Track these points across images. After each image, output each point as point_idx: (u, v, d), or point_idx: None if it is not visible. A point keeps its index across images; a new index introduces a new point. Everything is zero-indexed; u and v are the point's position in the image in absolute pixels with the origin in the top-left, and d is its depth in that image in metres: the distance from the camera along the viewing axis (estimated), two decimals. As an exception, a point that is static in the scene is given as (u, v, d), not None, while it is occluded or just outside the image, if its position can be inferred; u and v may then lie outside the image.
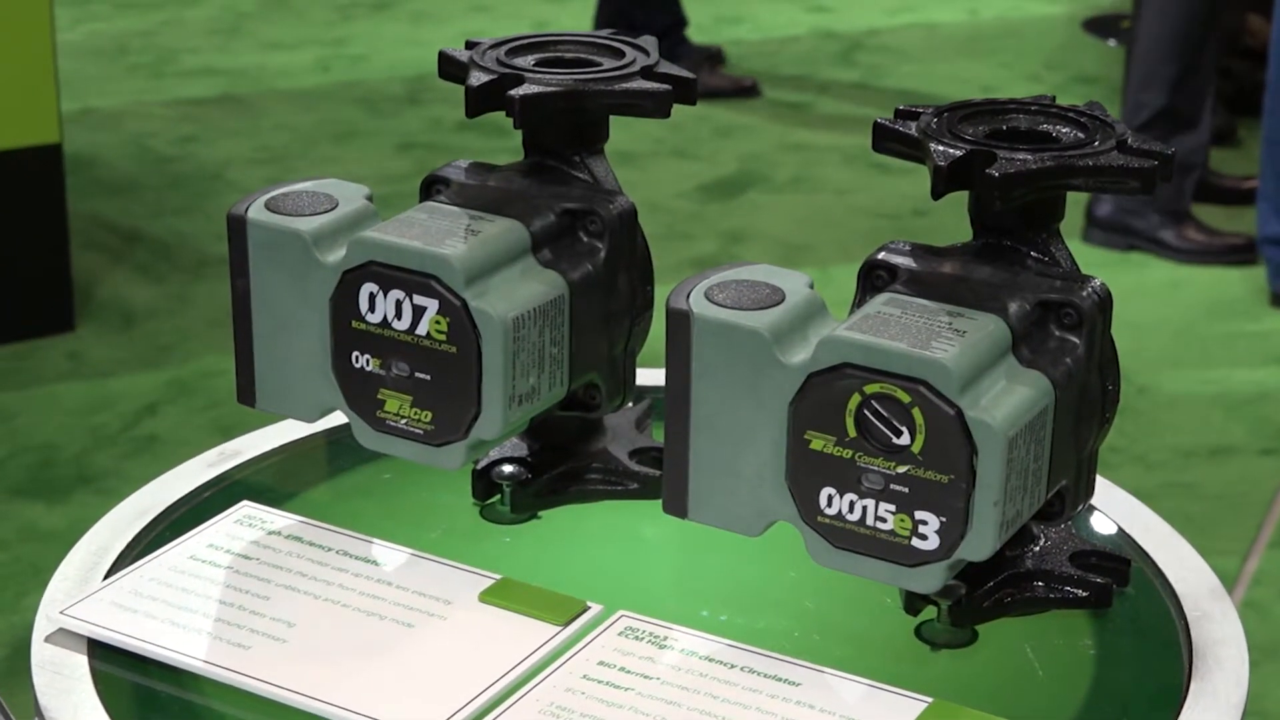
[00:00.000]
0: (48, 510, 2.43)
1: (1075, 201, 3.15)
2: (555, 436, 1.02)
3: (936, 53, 4.54)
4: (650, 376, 1.08)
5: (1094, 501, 0.98)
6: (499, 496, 1.01)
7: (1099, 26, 4.67)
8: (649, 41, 1.04)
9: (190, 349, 2.88)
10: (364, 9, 4.80)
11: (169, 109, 4.01)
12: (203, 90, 4.14)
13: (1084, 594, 0.93)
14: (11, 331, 2.91)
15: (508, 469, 1.01)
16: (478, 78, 0.98)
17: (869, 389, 0.82)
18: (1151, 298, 3.12)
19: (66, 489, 2.48)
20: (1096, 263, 3.23)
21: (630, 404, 1.03)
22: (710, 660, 0.88)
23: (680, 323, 0.86)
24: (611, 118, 1.01)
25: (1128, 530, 1.02)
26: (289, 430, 1.11)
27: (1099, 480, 0.94)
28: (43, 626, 0.91)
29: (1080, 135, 0.91)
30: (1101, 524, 1.03)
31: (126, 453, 2.58)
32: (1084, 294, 0.88)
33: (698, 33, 4.58)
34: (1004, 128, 0.93)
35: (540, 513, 1.01)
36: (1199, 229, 3.28)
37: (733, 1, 4.78)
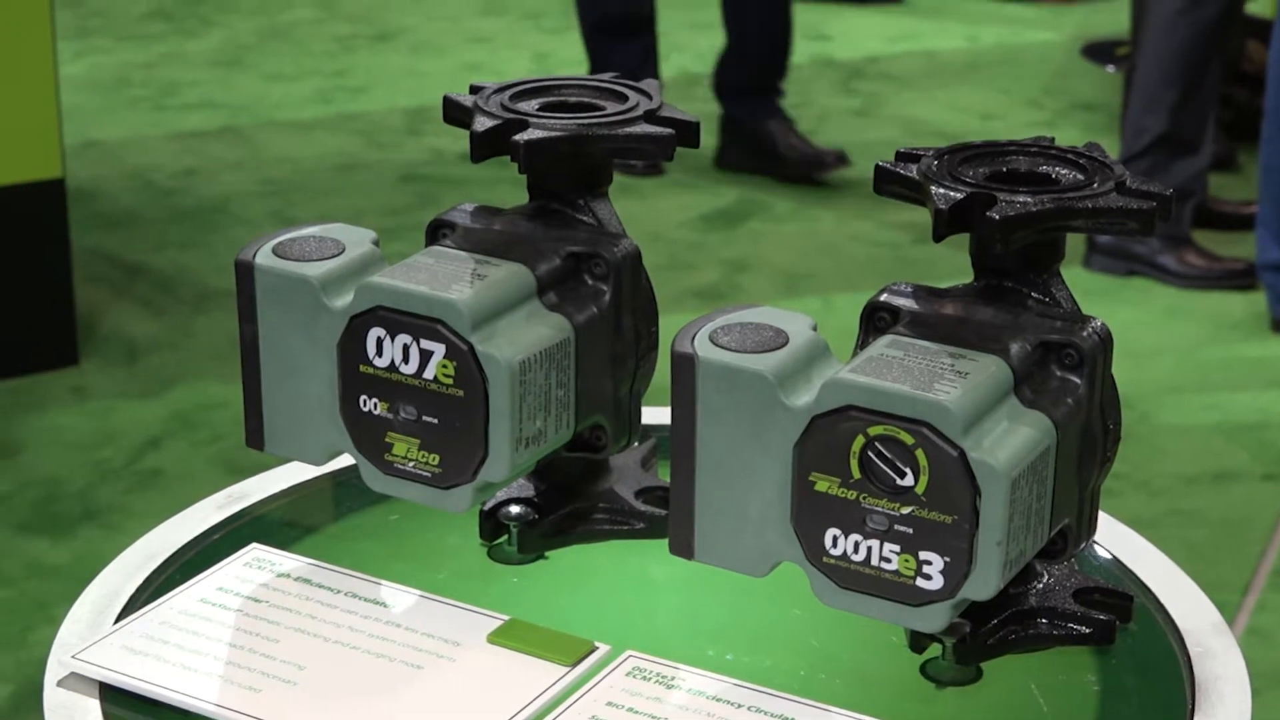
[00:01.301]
0: (52, 546, 2.44)
1: (1076, 229, 3.16)
2: (561, 477, 1.03)
3: (936, 80, 4.56)
4: (655, 415, 1.10)
5: (1096, 536, 0.99)
6: (506, 537, 1.02)
7: (1098, 53, 4.69)
8: (651, 85, 1.05)
9: (193, 383, 2.90)
10: (364, 41, 4.82)
11: (170, 142, 4.03)
12: (204, 123, 4.16)
13: (1087, 630, 0.94)
14: (15, 365, 2.92)
15: (515, 510, 1.02)
16: (482, 123, 0.99)
17: (873, 431, 0.83)
18: (1152, 324, 3.14)
19: (71, 524, 2.49)
20: (1097, 289, 3.24)
21: (636, 444, 1.04)
22: (718, 700, 0.89)
23: (685, 366, 0.88)
24: (615, 158, 1.02)
25: (1130, 565, 1.03)
26: (296, 472, 1.12)
27: (1101, 514, 0.95)
28: (54, 670, 0.92)
29: (1079, 177, 0.92)
30: (1104, 559, 1.04)
31: (130, 487, 2.59)
32: (1085, 334, 0.89)
33: (697, 61, 4.60)
34: (1004, 170, 0.94)
35: (547, 553, 1.02)
36: (1199, 254, 3.30)
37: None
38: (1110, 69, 4.56)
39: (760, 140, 3.76)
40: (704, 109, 4.13)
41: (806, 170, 3.72)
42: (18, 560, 2.40)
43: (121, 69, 4.53)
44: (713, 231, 3.56)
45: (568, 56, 4.70)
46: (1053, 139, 0.97)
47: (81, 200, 3.50)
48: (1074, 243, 3.23)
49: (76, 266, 3.00)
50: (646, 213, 3.56)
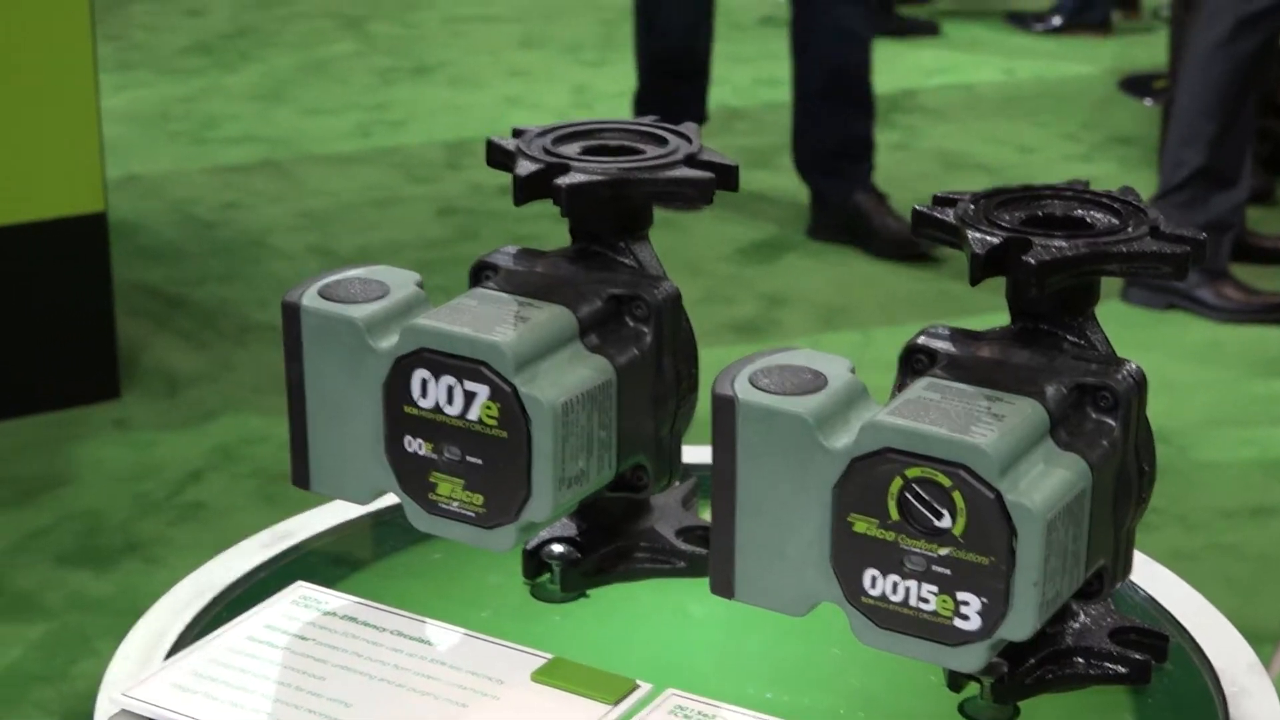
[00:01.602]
0: (95, 578, 2.46)
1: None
2: (603, 516, 1.05)
3: (974, 113, 4.57)
4: (695, 454, 1.11)
5: (1132, 575, 1.00)
6: (549, 575, 1.04)
7: (1135, 86, 4.70)
8: (690, 128, 1.07)
9: (234, 415, 2.92)
10: (404, 74, 4.86)
11: (211, 175, 4.07)
12: (244, 156, 4.20)
13: (1124, 670, 0.95)
14: (58, 399, 2.95)
15: (557, 549, 1.04)
16: (525, 167, 1.01)
17: (910, 473, 0.85)
18: (1190, 357, 3.14)
19: (114, 556, 2.52)
20: (1136, 322, 3.25)
21: (676, 483, 1.06)
22: (757, 738, 0.90)
23: (726, 408, 0.89)
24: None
25: (1165, 604, 1.04)
26: (341, 511, 1.14)
27: (1137, 552, 0.97)
28: (104, 708, 0.94)
29: (1114, 221, 0.94)
30: (1140, 598, 1.05)
31: (172, 520, 2.62)
32: (1119, 377, 0.90)
33: (736, 95, 4.63)
34: (1039, 214, 0.95)
35: (589, 591, 1.04)
36: (1237, 288, 3.30)
37: (770, 63, 4.82)
38: (1148, 102, 4.56)
39: (850, 216, 3.61)
40: (744, 143, 4.16)
41: (901, 252, 3.54)
42: (60, 592, 2.43)
43: (162, 103, 4.57)
44: (751, 264, 3.58)
45: (605, 89, 4.74)
46: (1087, 182, 0.98)
47: (123, 233, 3.53)
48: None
49: (118, 299, 3.03)
50: (685, 245, 3.58)
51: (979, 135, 4.38)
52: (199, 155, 4.20)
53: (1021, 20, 5.37)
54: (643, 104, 3.86)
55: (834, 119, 3.60)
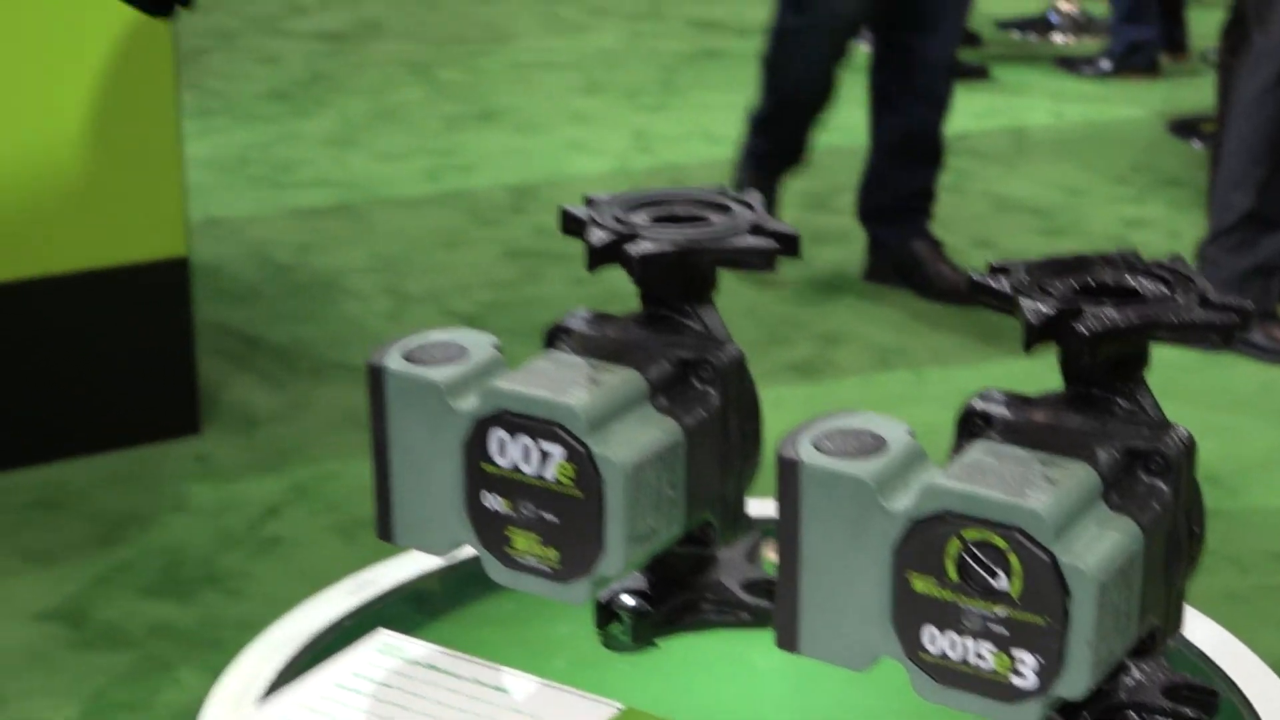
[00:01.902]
0: (178, 609, 2.50)
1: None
2: (672, 570, 1.07)
3: (1024, 156, 4.58)
4: (760, 507, 1.13)
5: (1185, 632, 1.01)
6: (620, 627, 1.06)
7: (1184, 129, 4.69)
8: (754, 197, 1.09)
9: (310, 453, 2.96)
10: (470, 120, 4.90)
11: (287, 218, 4.12)
12: (319, 200, 4.24)
13: (1175, 723, 0.96)
14: (141, 434, 2.99)
15: (629, 600, 1.06)
16: (598, 236, 1.03)
17: (968, 534, 0.86)
18: (1242, 399, 3.13)
19: (195, 589, 2.55)
20: (1188, 365, 3.24)
21: (741, 536, 1.08)
22: (820, 786, 0.92)
23: (790, 471, 0.91)
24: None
25: (1216, 659, 1.05)
26: (420, 560, 1.16)
27: (1188, 608, 0.98)
28: (201, 751, 0.96)
29: (1163, 290, 0.95)
30: (1191, 653, 1.06)
31: (252, 553, 2.65)
32: (1170, 442, 0.91)
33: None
34: (1091, 282, 0.97)
35: (659, 642, 1.06)
36: (1288, 330, 3.29)
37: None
38: (1196, 144, 4.55)
39: (906, 262, 3.61)
40: (804, 186, 4.17)
41: (956, 298, 3.53)
42: (143, 622, 2.46)
43: (240, 148, 4.63)
44: (807, 305, 3.59)
45: (665, 133, 4.76)
46: (1137, 251, 0.99)
47: (204, 275, 3.58)
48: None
49: (199, 339, 3.07)
50: (741, 287, 3.59)
51: (1029, 178, 4.39)
52: (276, 199, 4.25)
53: (1071, 64, 5.37)
54: (764, 128, 3.72)
55: (903, 174, 3.61)
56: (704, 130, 4.77)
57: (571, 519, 0.96)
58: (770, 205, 3.61)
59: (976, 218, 4.06)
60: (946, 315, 3.52)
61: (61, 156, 2.86)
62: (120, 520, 2.74)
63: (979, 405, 0.95)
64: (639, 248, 1.02)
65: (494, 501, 0.98)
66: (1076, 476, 0.88)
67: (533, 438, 0.96)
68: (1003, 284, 0.96)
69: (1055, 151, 4.61)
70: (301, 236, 3.99)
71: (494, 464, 0.98)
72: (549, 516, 0.97)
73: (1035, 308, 0.93)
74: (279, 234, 4.01)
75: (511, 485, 0.97)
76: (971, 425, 0.95)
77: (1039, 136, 4.76)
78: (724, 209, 1.08)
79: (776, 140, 3.69)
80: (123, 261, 2.93)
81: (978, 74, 5.25)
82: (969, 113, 4.92)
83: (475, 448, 0.98)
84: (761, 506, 1.12)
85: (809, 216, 4.01)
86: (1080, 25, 5.78)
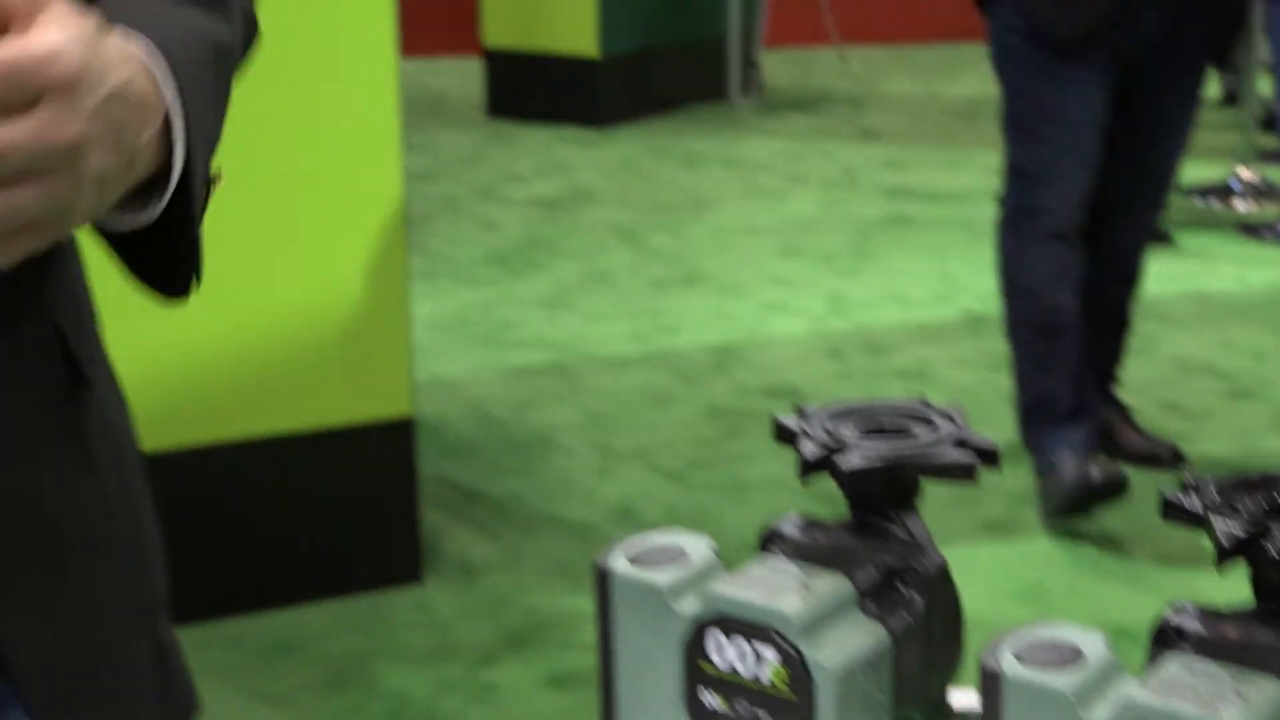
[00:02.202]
0: (400, 753, 2.55)
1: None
2: (877, 764, 1.08)
3: (1208, 320, 4.52)
4: (961, 698, 1.13)
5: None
6: (828, 817, 1.07)
7: (1367, 293, 4.60)
8: (956, 411, 1.11)
9: (524, 603, 3.01)
10: (675, 283, 4.98)
11: (504, 377, 4.22)
12: (533, 359, 4.34)
13: None
14: (366, 581, 3.07)
15: (835, 793, 1.07)
16: (810, 450, 1.06)
17: (1164, 750, 0.87)
18: None
19: (416, 734, 2.60)
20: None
21: (942, 731, 1.09)
22: None
23: (993, 682, 0.92)
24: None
25: None
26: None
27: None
28: None
29: (1353, 512, 0.95)
30: None
31: (470, 699, 2.69)
32: (1361, 662, 0.91)
33: (981, 302, 4.64)
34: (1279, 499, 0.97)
35: (864, 833, 1.07)
36: None
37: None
38: (1379, 309, 4.46)
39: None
40: (989, 347, 4.16)
41: (1144, 464, 3.51)
42: (369, 766, 2.52)
43: (461, 309, 4.76)
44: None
45: (859, 296, 4.79)
46: (1326, 471, 1.00)
47: (427, 430, 3.68)
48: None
49: (421, 491, 3.16)
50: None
51: (1213, 342, 4.33)
52: (493, 358, 4.36)
53: (1253, 230, 5.30)
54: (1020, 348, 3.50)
55: (1092, 347, 3.55)
56: (896, 294, 4.79)
57: None
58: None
59: (1161, 380, 4.01)
60: (1134, 473, 3.47)
61: (303, 322, 2.97)
62: (346, 664, 2.81)
63: (1174, 620, 0.95)
64: (849, 462, 1.05)
65: (712, 700, 1.01)
66: (1267, 694, 0.88)
67: (748, 640, 0.99)
68: (1195, 505, 0.97)
69: (1239, 315, 4.55)
70: (517, 394, 4.08)
71: (711, 664, 1.00)
72: (764, 715, 0.99)
73: (1227, 531, 0.93)
74: (496, 391, 4.11)
75: (728, 686, 1.00)
76: (1165, 638, 0.95)
77: (1222, 300, 4.69)
78: (927, 421, 1.10)
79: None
80: (355, 421, 3.03)
81: (1161, 239, 5.20)
82: (1154, 278, 4.86)
83: (694, 648, 1.01)
84: (963, 697, 1.13)
85: (995, 378, 3.99)
86: (1261, 192, 5.71)
